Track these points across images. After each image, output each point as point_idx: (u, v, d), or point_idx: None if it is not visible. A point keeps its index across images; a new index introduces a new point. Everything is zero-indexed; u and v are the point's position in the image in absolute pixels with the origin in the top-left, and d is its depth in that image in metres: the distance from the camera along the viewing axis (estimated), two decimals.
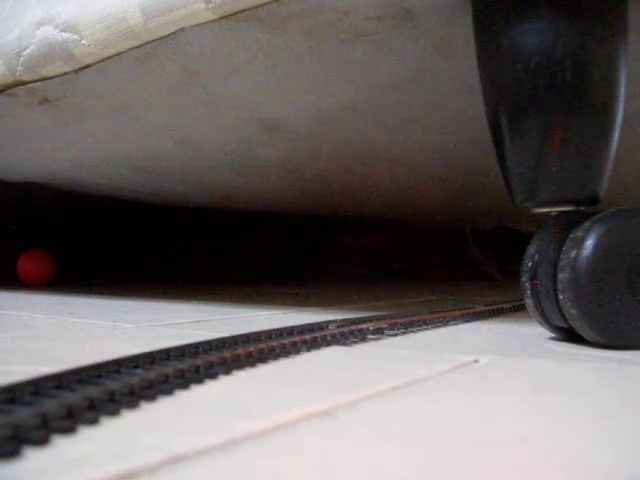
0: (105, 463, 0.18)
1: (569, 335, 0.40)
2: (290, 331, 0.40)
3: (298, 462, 0.18)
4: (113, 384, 0.24)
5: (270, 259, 1.54)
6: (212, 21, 0.45)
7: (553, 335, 0.43)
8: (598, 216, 0.38)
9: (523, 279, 0.42)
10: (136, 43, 0.49)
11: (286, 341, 0.36)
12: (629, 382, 0.30)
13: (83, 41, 0.50)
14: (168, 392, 0.26)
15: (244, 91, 0.57)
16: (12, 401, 0.22)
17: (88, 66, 0.53)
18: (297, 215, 1.29)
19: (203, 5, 0.44)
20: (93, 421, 0.22)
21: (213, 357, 0.30)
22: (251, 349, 0.33)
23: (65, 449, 0.19)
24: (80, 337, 0.44)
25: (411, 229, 1.41)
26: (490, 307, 0.59)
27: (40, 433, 0.20)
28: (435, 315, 0.52)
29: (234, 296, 0.86)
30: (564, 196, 0.39)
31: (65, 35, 0.51)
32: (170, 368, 0.28)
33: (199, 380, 0.28)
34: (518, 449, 0.20)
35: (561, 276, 0.38)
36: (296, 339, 0.37)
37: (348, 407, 0.24)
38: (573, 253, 0.37)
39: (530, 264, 0.41)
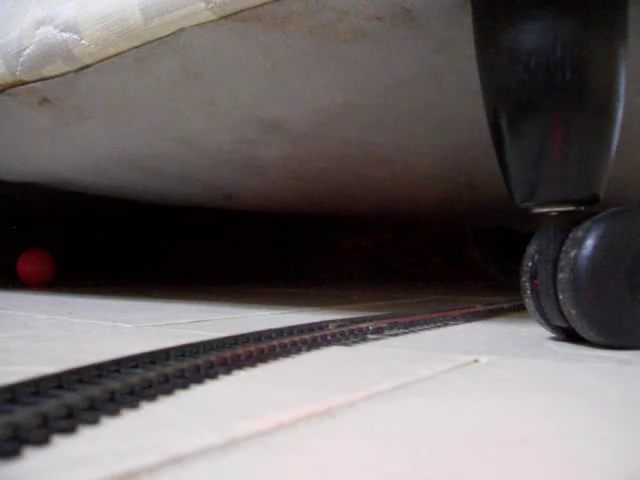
0: (105, 463, 0.18)
1: (569, 335, 0.40)
2: (290, 331, 0.40)
3: (298, 462, 0.18)
4: (113, 384, 0.24)
5: (270, 259, 1.54)
6: (212, 21, 0.45)
7: (553, 335, 0.43)
8: (598, 216, 0.38)
9: (523, 279, 0.42)
10: (136, 43, 0.49)
11: (286, 341, 0.36)
12: (629, 382, 0.30)
13: (83, 41, 0.50)
14: (168, 392, 0.26)
15: (244, 91, 0.57)
16: (12, 401, 0.22)
17: (88, 66, 0.53)
18: (297, 215, 1.29)
19: (203, 5, 0.44)
20: (93, 421, 0.22)
21: (213, 357, 0.30)
22: (251, 349, 0.33)
23: (65, 449, 0.19)
24: (80, 337, 0.44)
25: (411, 229, 1.41)
26: (490, 307, 0.59)
27: (40, 433, 0.20)
28: (435, 315, 0.52)
29: (234, 296, 0.86)
30: (564, 196, 0.39)
31: (65, 35, 0.51)
32: (170, 368, 0.28)
33: (199, 380, 0.28)
34: (518, 449, 0.20)
35: (561, 276, 0.38)
36: (296, 339, 0.37)
37: (348, 407, 0.24)
38: (573, 253, 0.37)
39: (530, 264, 0.41)
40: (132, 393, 0.25)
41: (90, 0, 0.49)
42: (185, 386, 0.27)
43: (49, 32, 0.52)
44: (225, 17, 0.44)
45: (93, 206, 1.27)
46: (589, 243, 0.37)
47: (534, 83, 0.37)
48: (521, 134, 0.38)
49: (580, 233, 0.38)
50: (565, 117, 0.37)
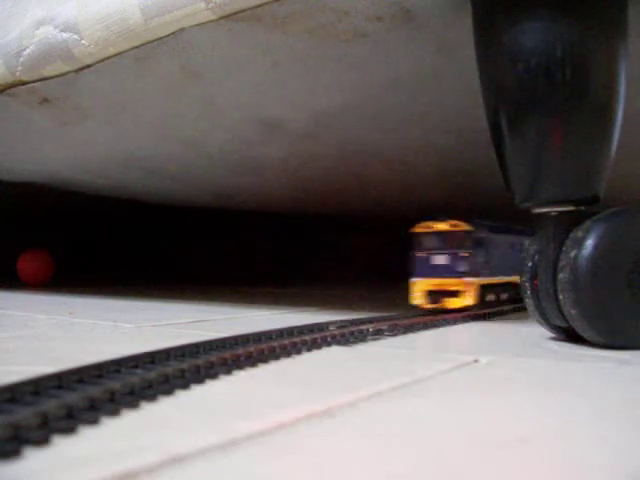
0: (105, 463, 0.18)
1: (569, 335, 0.40)
2: (290, 331, 0.40)
3: (298, 462, 0.18)
4: (113, 384, 0.24)
5: (270, 259, 1.54)
6: (212, 21, 0.45)
7: (553, 335, 0.43)
8: (598, 216, 0.38)
9: (523, 279, 0.42)
10: (136, 43, 0.49)
11: (286, 341, 0.36)
12: (629, 382, 0.30)
13: (83, 41, 0.50)
14: (168, 392, 0.26)
15: (244, 91, 0.57)
16: (12, 401, 0.22)
17: (88, 66, 0.53)
18: (297, 215, 1.29)
19: (203, 5, 0.44)
20: (93, 421, 0.22)
21: (213, 357, 0.30)
22: (251, 349, 0.33)
23: (65, 449, 0.19)
24: (80, 337, 0.44)
25: (411, 229, 1.41)
26: (490, 309, 0.59)
27: (40, 433, 0.20)
28: (435, 316, 0.52)
29: (234, 296, 0.86)
30: (564, 196, 0.39)
31: (65, 35, 0.51)
32: (170, 368, 0.28)
33: (199, 380, 0.28)
34: (518, 449, 0.20)
35: (561, 276, 0.38)
36: (296, 339, 0.37)
37: (348, 407, 0.24)
38: (573, 253, 0.37)
39: (530, 264, 0.41)
40: (132, 393, 0.25)
41: (90, 0, 0.49)
42: (185, 386, 0.27)
43: (49, 32, 0.52)
44: (225, 17, 0.44)
45: (93, 206, 1.27)
46: (589, 243, 0.37)
47: (534, 83, 0.37)
48: (521, 134, 0.38)
49: (580, 233, 0.38)
50: (565, 117, 0.37)
